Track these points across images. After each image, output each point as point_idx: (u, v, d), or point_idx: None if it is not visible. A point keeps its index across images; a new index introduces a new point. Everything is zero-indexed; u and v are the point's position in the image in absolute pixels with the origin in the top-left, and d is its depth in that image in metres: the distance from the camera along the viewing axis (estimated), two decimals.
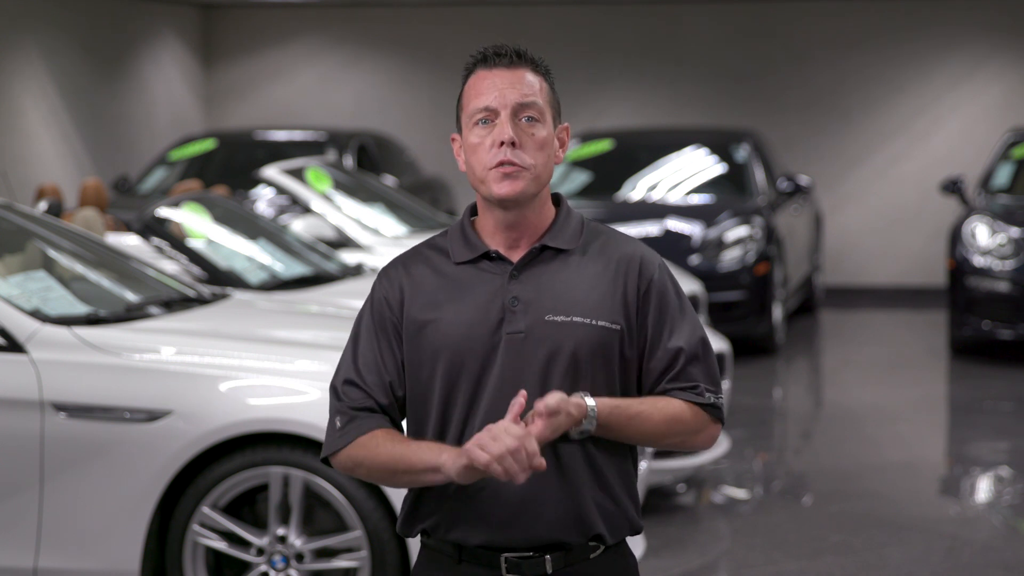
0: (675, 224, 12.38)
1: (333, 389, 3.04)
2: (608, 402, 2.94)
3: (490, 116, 2.95)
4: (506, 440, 2.78)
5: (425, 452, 2.91)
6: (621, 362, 2.99)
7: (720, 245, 12.19)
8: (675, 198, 13.09)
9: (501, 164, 2.93)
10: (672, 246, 12.03)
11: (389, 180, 14.27)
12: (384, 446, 2.95)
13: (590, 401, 2.92)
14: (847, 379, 12.08)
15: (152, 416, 5.37)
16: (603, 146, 13.77)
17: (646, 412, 2.97)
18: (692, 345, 3.02)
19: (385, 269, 3.08)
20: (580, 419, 2.91)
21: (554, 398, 2.86)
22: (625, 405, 2.96)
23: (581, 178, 13.50)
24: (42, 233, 6.45)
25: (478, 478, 2.86)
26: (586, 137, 13.87)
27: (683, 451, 3.10)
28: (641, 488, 6.72)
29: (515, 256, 3.01)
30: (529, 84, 2.97)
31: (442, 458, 2.88)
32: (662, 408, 2.98)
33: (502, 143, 2.93)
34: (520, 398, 2.83)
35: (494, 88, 2.96)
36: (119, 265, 6.49)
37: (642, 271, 3.02)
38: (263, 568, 5.47)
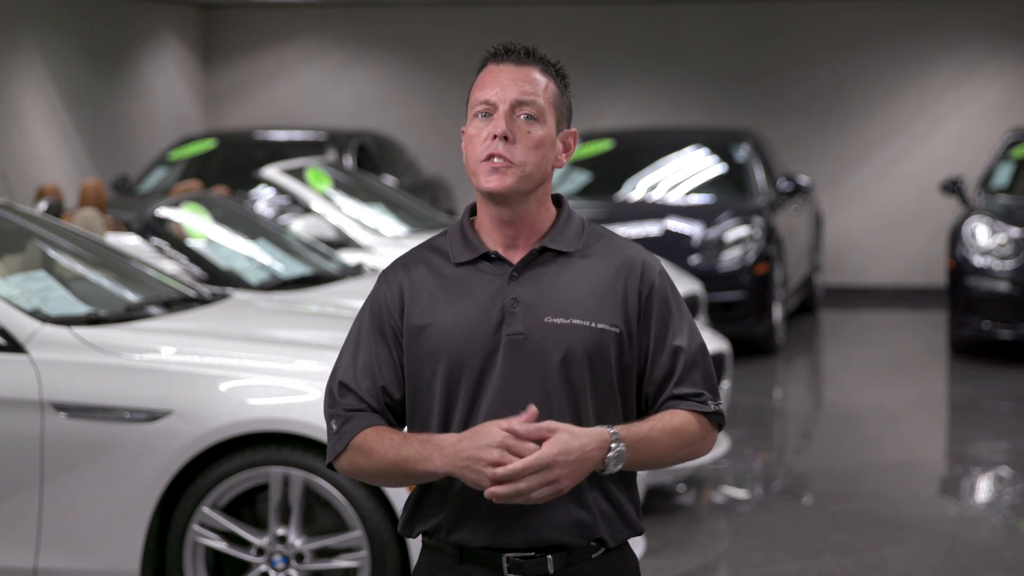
0: (675, 224, 12.37)
1: (328, 391, 3.03)
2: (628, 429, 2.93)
3: (490, 110, 2.97)
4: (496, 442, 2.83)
5: (415, 457, 2.90)
6: (619, 365, 2.99)
7: (720, 245, 12.18)
8: (675, 198, 13.08)
9: (490, 157, 2.94)
10: (672, 246, 12.02)
11: (389, 180, 14.26)
12: (377, 449, 2.93)
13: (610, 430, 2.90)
14: (847, 379, 12.08)
15: (152, 416, 5.37)
16: (603, 146, 13.76)
17: (656, 434, 2.95)
18: (692, 351, 3.02)
19: (385, 272, 3.08)
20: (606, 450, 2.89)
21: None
22: (636, 427, 2.94)
23: (581, 178, 13.50)
24: (42, 233, 6.45)
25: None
26: (586, 137, 13.87)
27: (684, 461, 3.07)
28: (641, 488, 6.72)
29: (514, 257, 3.00)
30: (533, 82, 2.97)
31: (435, 463, 2.88)
32: (667, 421, 2.97)
33: (495, 136, 2.94)
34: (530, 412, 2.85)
35: (497, 83, 2.97)
36: (119, 265, 6.49)
37: (644, 276, 3.01)
38: (263, 568, 5.47)
